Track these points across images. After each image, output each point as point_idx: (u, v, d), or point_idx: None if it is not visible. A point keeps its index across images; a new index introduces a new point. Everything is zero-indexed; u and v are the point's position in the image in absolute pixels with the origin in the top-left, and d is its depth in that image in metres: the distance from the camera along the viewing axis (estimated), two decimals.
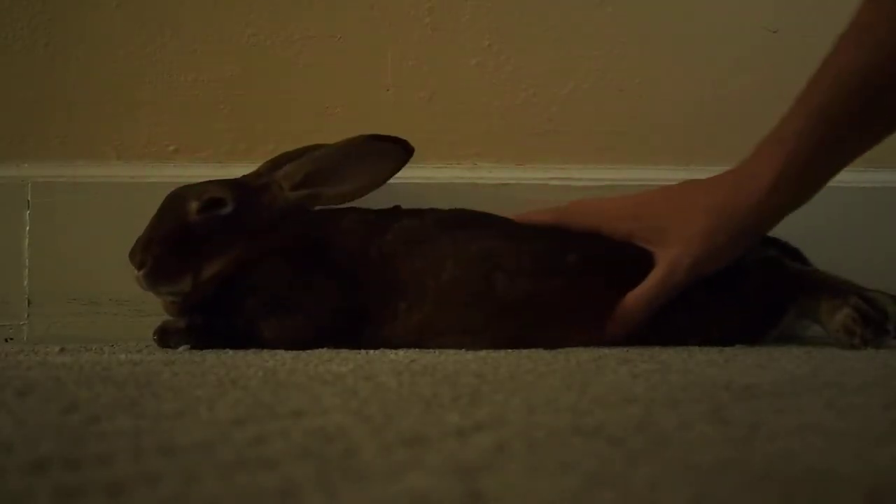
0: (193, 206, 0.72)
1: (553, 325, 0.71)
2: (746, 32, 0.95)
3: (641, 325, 0.70)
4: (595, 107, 0.93)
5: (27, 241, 0.84)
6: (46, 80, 0.88)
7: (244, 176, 0.78)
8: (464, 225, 0.75)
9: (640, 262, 0.72)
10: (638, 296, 0.70)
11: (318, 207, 0.76)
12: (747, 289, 0.73)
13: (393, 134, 0.76)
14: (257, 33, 0.90)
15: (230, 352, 0.66)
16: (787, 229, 0.81)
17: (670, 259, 0.69)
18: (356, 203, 0.77)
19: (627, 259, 0.72)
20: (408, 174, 0.86)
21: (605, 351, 0.66)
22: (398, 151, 0.76)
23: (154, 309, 0.76)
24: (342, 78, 0.91)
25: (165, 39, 0.89)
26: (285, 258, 0.72)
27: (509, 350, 0.66)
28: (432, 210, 0.77)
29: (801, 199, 0.69)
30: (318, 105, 0.90)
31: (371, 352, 0.66)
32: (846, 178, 0.94)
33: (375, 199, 0.78)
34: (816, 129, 0.65)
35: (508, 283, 0.71)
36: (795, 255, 0.80)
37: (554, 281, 0.71)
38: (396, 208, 0.77)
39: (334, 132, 0.90)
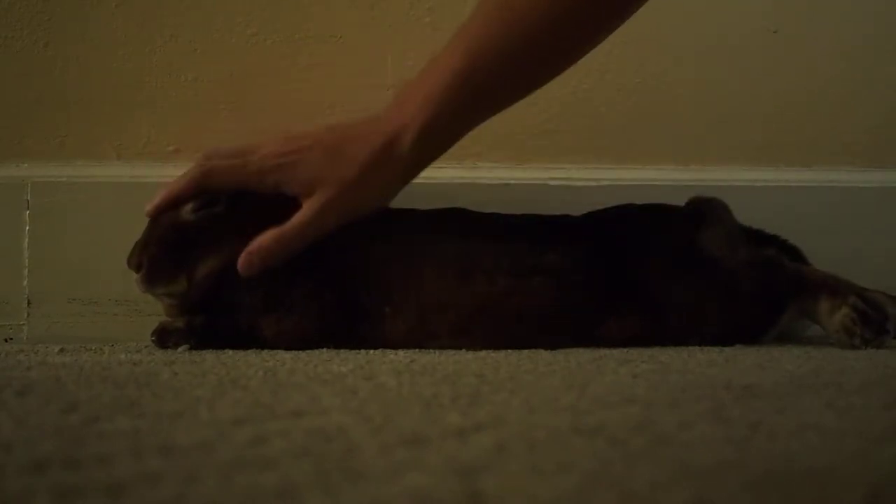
0: (188, 205, 0.72)
1: (540, 323, 0.71)
2: (746, 32, 0.95)
3: (275, 263, 0.69)
4: (595, 107, 0.93)
5: (27, 241, 0.84)
6: (46, 80, 0.88)
7: None
8: (447, 227, 0.75)
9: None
10: (281, 233, 0.69)
11: None
12: (747, 288, 0.73)
13: None
14: (257, 33, 0.90)
15: (230, 352, 0.66)
16: (786, 228, 0.82)
17: (321, 202, 0.70)
18: None
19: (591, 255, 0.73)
20: None
21: (606, 351, 0.66)
22: None
23: (154, 309, 0.76)
24: (342, 78, 0.91)
25: (165, 39, 0.89)
26: None
27: (509, 350, 0.66)
28: (423, 211, 0.77)
29: (438, 154, 0.73)
30: (318, 105, 0.90)
31: (371, 352, 0.66)
32: (846, 178, 0.94)
33: None
34: (456, 90, 0.69)
35: (490, 284, 0.71)
36: (795, 254, 0.80)
37: (535, 280, 0.71)
38: (410, 210, 0.77)
39: None
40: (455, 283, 0.71)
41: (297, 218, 0.70)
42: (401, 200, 0.79)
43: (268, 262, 0.69)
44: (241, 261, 0.69)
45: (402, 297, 0.71)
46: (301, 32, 0.90)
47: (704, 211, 0.78)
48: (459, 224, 0.75)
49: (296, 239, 0.70)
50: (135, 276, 0.70)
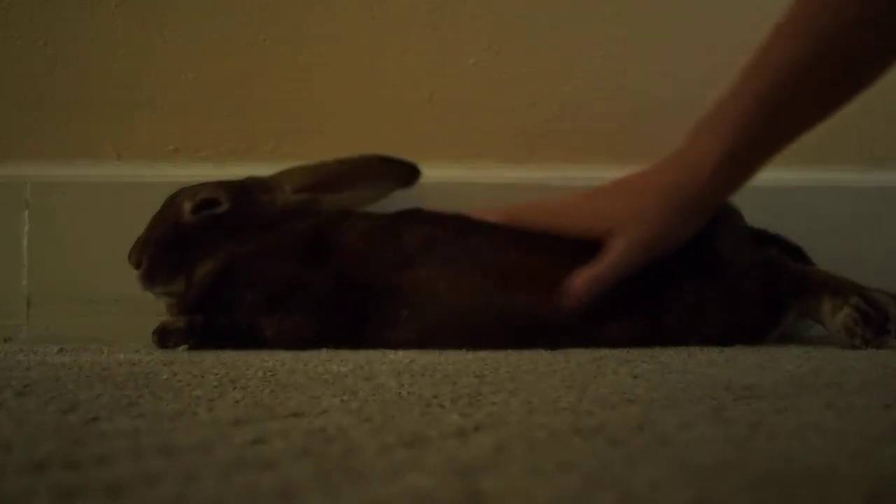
0: (187, 206, 0.72)
1: (541, 324, 0.71)
2: (746, 32, 0.95)
3: (591, 303, 0.69)
4: (595, 107, 0.93)
5: (26, 241, 0.84)
6: (46, 80, 0.88)
7: (248, 178, 0.78)
8: (468, 232, 0.74)
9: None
10: (592, 273, 0.70)
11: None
12: (748, 288, 0.73)
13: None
14: (257, 32, 0.90)
15: (230, 352, 0.66)
16: (788, 228, 0.82)
17: (628, 238, 0.70)
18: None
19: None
20: None
21: (606, 351, 0.66)
22: (406, 174, 0.79)
23: (154, 309, 0.76)
24: (342, 78, 0.91)
25: (165, 39, 0.89)
26: (285, 255, 0.72)
27: (509, 350, 0.66)
28: (447, 216, 0.76)
29: (741, 181, 0.71)
30: (317, 105, 0.90)
31: (371, 352, 0.66)
32: (847, 177, 0.94)
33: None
34: (758, 114, 0.67)
35: (494, 286, 0.71)
36: (798, 254, 0.80)
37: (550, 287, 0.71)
38: (411, 212, 0.77)
39: (334, 132, 0.90)
40: (459, 285, 0.71)
41: (610, 257, 0.70)
42: (402, 200, 0.79)
43: (584, 300, 0.69)
44: (565, 303, 0.69)
45: (408, 301, 0.70)
46: (301, 32, 0.90)
47: None
48: (461, 227, 0.75)
49: (609, 278, 0.70)
50: (135, 272, 0.71)
